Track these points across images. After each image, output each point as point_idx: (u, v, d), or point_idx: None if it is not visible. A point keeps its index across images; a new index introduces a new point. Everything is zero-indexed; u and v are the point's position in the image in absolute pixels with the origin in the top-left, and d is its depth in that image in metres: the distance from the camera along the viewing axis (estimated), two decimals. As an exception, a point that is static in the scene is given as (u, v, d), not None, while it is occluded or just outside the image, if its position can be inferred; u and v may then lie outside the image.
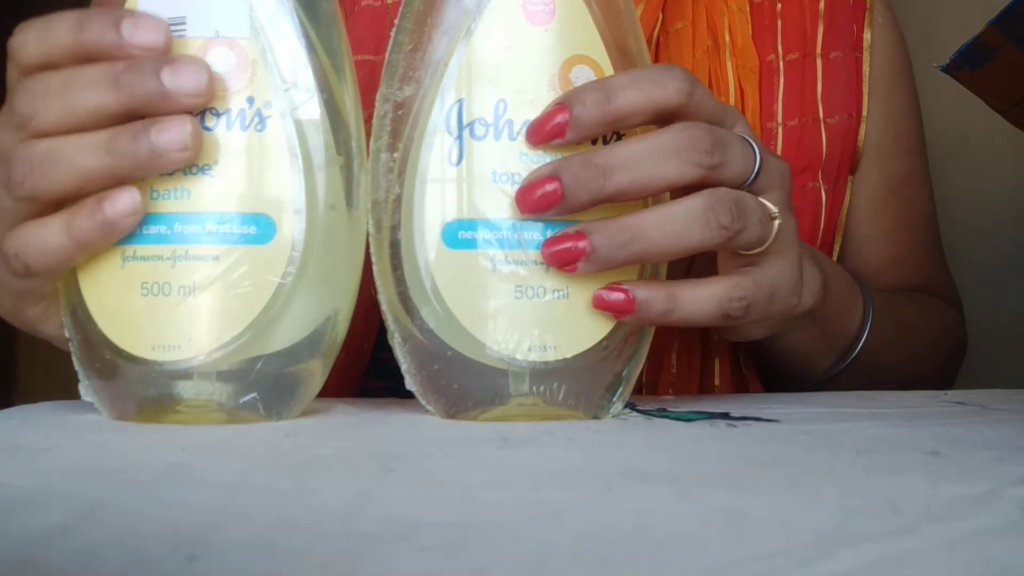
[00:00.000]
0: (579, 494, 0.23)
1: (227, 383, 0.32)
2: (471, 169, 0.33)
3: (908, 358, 0.54)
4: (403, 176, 0.34)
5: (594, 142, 0.34)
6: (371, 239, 0.35)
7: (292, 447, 0.29)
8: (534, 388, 0.33)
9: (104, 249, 0.32)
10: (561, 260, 0.32)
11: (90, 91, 0.31)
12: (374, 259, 0.35)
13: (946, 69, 0.45)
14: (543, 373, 0.33)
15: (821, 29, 0.57)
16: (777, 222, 0.35)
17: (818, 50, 0.56)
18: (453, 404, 0.34)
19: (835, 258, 0.56)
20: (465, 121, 0.33)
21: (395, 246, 0.34)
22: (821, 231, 0.55)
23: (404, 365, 0.34)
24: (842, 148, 0.56)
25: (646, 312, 0.33)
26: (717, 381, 0.52)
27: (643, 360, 0.36)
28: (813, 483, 0.24)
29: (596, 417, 0.35)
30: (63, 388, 0.39)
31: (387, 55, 0.35)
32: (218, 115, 0.32)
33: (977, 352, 0.65)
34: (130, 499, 0.22)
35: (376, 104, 0.35)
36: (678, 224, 0.32)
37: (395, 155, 0.34)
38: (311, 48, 0.33)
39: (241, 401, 0.32)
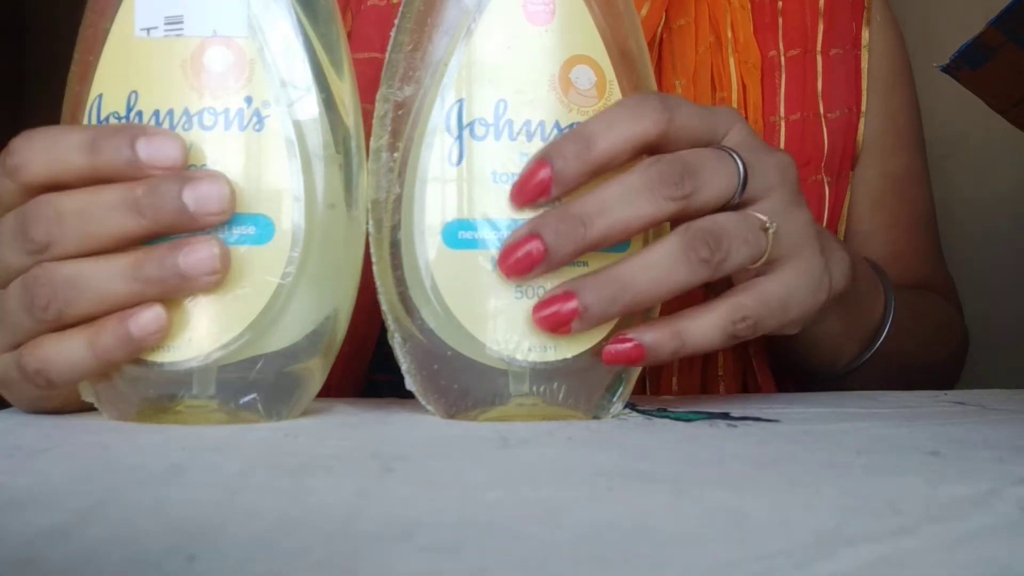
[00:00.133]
0: (579, 494, 0.23)
1: (227, 383, 0.32)
2: (471, 169, 0.33)
3: (922, 350, 0.54)
4: (403, 176, 0.34)
5: None
6: (371, 239, 0.35)
7: (292, 447, 0.29)
8: (534, 388, 0.33)
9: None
10: (553, 324, 0.32)
11: (111, 218, 0.30)
12: (374, 259, 0.34)
13: (946, 69, 0.45)
14: (543, 373, 0.33)
15: (821, 27, 0.57)
16: (771, 231, 0.34)
17: (818, 47, 0.57)
18: (453, 404, 0.34)
19: None
20: (465, 121, 0.33)
21: (395, 246, 0.34)
22: (825, 224, 0.55)
23: (404, 365, 0.34)
24: (843, 143, 0.56)
25: (657, 355, 0.33)
26: (720, 372, 0.52)
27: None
28: (813, 483, 0.24)
29: (596, 417, 0.35)
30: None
31: (387, 55, 0.35)
32: (216, 114, 0.32)
33: (977, 352, 0.65)
34: (130, 499, 0.22)
35: (376, 104, 0.35)
36: (661, 268, 0.32)
37: (395, 155, 0.34)
38: (309, 46, 0.33)
39: (241, 401, 0.32)
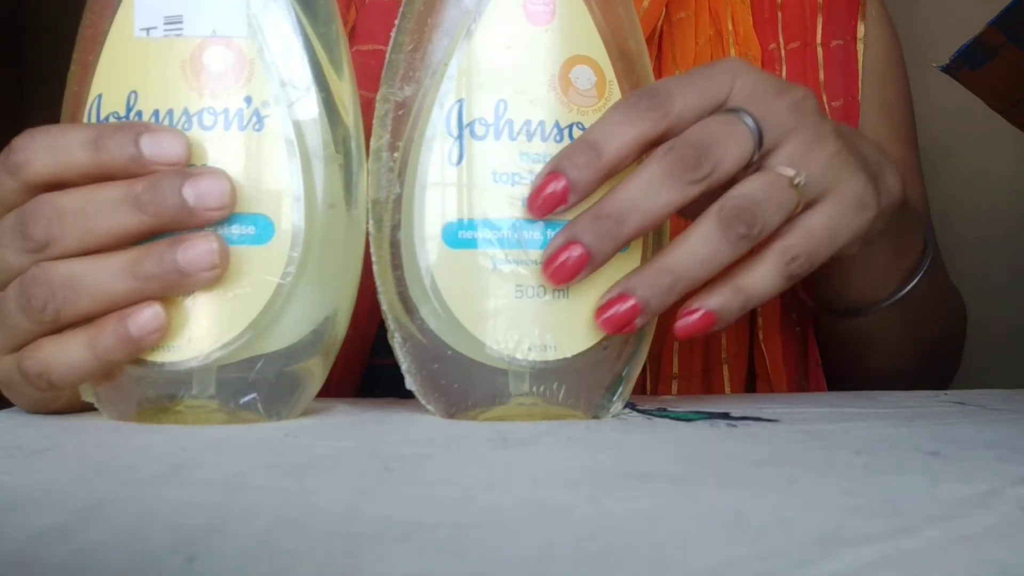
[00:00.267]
0: (579, 494, 0.23)
1: (227, 383, 0.32)
2: (471, 169, 0.33)
3: (941, 308, 0.54)
4: (403, 176, 0.34)
5: None
6: (371, 239, 0.35)
7: (292, 447, 0.29)
8: (534, 388, 0.33)
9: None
10: (618, 325, 0.33)
11: (111, 214, 0.30)
12: (374, 259, 0.34)
13: (946, 69, 0.45)
14: (543, 373, 0.33)
15: (820, 20, 0.58)
16: (800, 183, 0.34)
17: (818, 39, 0.57)
18: (453, 404, 0.34)
19: None
20: (465, 121, 0.33)
21: (395, 246, 0.34)
22: None
23: (404, 365, 0.34)
24: None
25: (727, 316, 0.34)
26: (724, 354, 0.52)
27: (643, 360, 0.36)
28: (813, 483, 0.24)
29: (596, 417, 0.35)
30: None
31: (387, 55, 0.35)
32: (216, 114, 0.32)
33: (977, 353, 0.65)
34: (130, 499, 0.22)
35: (376, 104, 0.35)
36: (705, 251, 0.33)
37: (395, 155, 0.34)
38: (309, 46, 0.33)
39: (241, 401, 0.32)
